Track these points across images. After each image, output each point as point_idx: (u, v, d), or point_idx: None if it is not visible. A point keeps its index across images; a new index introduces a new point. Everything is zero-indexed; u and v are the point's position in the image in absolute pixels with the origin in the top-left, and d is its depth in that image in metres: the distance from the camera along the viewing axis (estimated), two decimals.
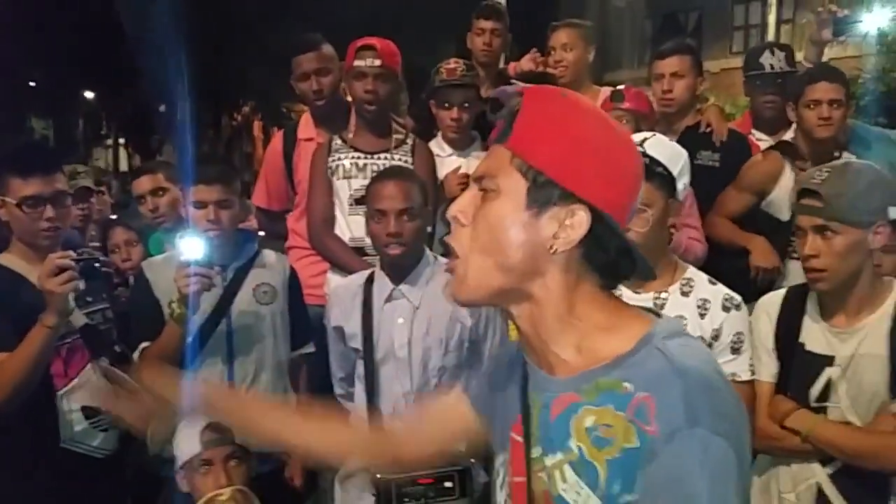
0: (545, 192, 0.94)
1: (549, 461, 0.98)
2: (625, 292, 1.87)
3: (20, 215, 2.07)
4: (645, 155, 1.76)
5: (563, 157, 0.94)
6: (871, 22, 3.20)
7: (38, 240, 2.10)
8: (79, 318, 2.19)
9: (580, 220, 0.93)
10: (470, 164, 2.99)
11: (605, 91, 3.10)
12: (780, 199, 2.71)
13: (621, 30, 17.11)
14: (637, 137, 1.88)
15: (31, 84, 18.16)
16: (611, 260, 0.97)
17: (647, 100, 2.81)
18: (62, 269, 1.89)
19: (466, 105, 2.92)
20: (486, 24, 3.42)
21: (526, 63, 3.47)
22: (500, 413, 1.10)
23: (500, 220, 0.95)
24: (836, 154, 2.63)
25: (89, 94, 20.45)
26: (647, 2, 18.21)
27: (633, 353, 0.94)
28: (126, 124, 20.50)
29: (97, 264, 2.09)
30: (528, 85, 1.01)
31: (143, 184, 2.92)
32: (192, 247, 2.06)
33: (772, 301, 1.93)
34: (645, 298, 1.85)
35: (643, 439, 0.89)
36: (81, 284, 1.96)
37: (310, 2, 13.32)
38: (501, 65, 3.59)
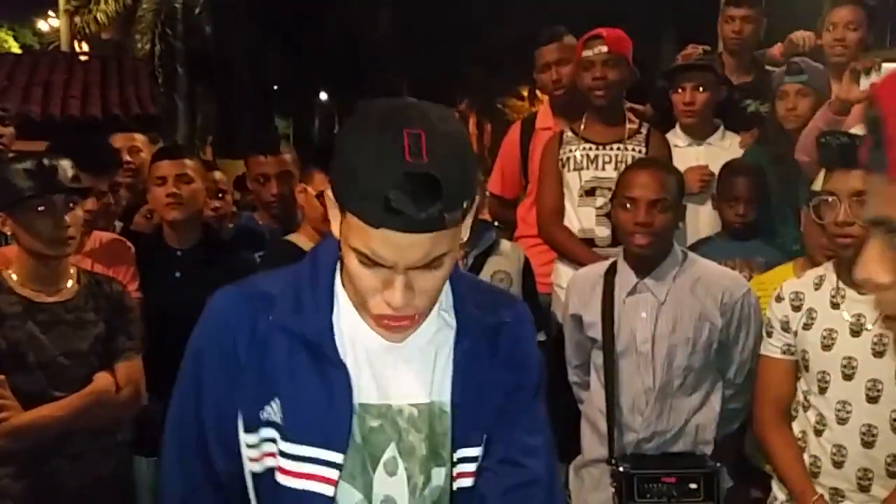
0: None
1: None
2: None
3: (316, 204, 2.25)
4: None
5: None
6: None
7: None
8: None
9: None
10: (709, 153, 2.85)
11: None
12: None
13: None
14: None
15: (275, 87, 20.22)
16: None
17: None
18: None
19: (701, 88, 2.79)
20: (737, 12, 3.23)
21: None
22: None
23: None
24: None
25: (324, 96, 22.33)
26: None
27: None
28: None
29: None
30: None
31: None
32: None
33: None
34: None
35: None
36: None
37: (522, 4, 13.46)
38: None
